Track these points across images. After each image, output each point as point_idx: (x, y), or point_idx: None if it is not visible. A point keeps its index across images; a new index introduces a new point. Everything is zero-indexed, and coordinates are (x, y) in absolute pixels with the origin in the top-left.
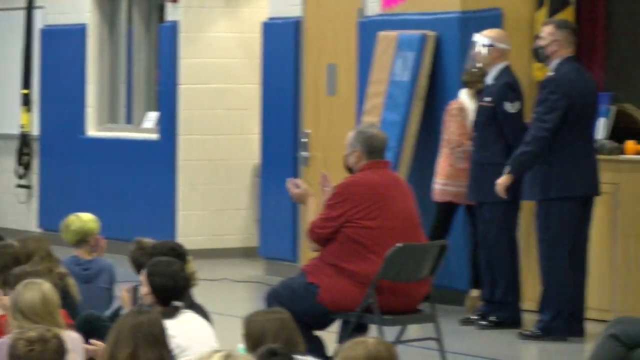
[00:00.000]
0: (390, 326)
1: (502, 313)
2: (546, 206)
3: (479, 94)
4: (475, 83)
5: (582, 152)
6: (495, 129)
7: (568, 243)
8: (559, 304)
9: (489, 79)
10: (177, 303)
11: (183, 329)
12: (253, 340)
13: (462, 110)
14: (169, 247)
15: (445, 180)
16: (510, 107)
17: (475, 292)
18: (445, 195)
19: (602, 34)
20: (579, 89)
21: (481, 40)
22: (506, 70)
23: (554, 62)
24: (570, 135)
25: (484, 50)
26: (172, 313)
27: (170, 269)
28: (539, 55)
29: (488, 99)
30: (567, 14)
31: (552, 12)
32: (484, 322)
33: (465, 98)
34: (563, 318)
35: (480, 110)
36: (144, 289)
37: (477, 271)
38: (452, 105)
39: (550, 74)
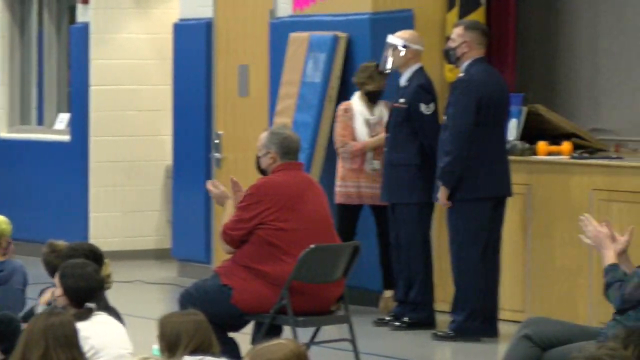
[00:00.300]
0: (303, 327)
1: (416, 314)
2: (457, 207)
3: (367, 95)
4: (363, 85)
5: (493, 153)
6: (410, 130)
7: (479, 244)
8: (471, 304)
9: (403, 81)
10: (90, 305)
11: (97, 331)
12: (168, 341)
13: (347, 111)
14: (85, 249)
15: (339, 181)
16: (425, 109)
17: (388, 293)
18: (339, 196)
19: (513, 35)
20: (489, 90)
21: (395, 41)
22: (420, 72)
23: (465, 64)
24: (481, 136)
25: (399, 52)
26: (85, 315)
27: (83, 271)
28: (450, 57)
29: (402, 100)
30: (478, 15)
31: (463, 13)
32: (397, 323)
33: (355, 99)
34: (476, 319)
35: (394, 112)
36: (57, 291)
37: (389, 272)
38: (340, 107)
39: (460, 75)
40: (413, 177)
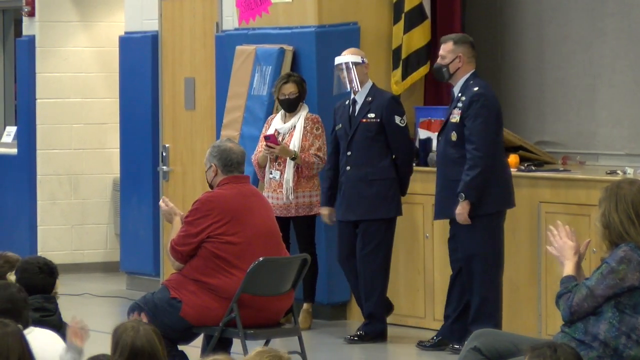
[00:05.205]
0: (253, 340)
1: (369, 327)
2: (485, 220)
3: (280, 103)
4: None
5: (504, 166)
6: (382, 143)
7: (498, 256)
8: (495, 317)
9: (360, 96)
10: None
11: (36, 346)
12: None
13: (267, 122)
14: (38, 263)
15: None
16: (400, 121)
17: (306, 306)
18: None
19: None
20: (498, 103)
21: (353, 59)
22: (376, 87)
23: (462, 79)
24: (499, 148)
25: (362, 67)
26: None
27: (6, 292)
28: (442, 74)
29: (371, 115)
30: (424, 28)
31: (409, 26)
32: (349, 336)
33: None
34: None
35: (364, 127)
36: None
37: (311, 284)
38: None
39: (476, 89)
40: (388, 190)
